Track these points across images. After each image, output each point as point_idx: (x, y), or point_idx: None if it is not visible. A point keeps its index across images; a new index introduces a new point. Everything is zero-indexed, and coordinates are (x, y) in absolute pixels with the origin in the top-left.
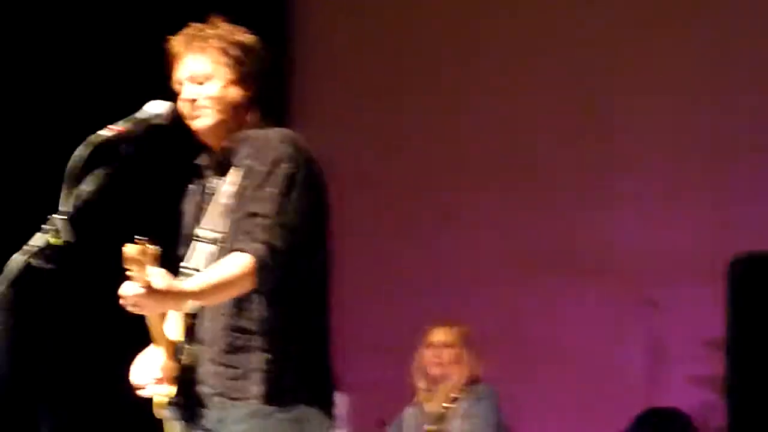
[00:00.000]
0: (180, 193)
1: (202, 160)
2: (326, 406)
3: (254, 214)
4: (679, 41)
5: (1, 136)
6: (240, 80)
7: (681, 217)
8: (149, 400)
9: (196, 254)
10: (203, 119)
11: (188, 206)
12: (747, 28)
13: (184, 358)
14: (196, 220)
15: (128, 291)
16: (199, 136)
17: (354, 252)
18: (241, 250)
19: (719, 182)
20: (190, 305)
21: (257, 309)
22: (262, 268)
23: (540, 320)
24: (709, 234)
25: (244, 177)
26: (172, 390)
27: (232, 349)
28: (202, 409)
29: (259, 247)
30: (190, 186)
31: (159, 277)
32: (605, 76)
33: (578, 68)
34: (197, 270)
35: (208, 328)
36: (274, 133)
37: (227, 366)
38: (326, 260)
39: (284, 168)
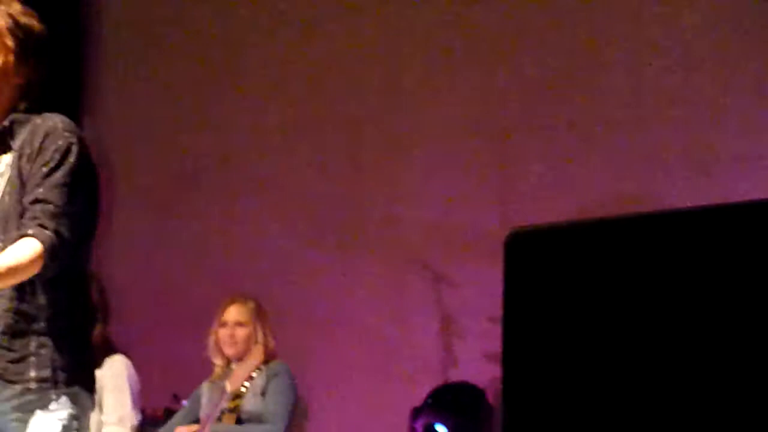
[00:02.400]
0: None
1: None
2: (92, 387)
3: (44, 201)
4: None
5: None
6: (18, 63)
7: (468, 192)
8: None
9: None
10: None
11: None
12: None
13: None
14: None
15: None
16: None
17: (144, 229)
18: (31, 236)
19: (499, 159)
20: None
21: (39, 294)
22: (50, 256)
23: (332, 296)
24: (493, 210)
25: (30, 161)
26: None
27: (12, 333)
28: None
29: (49, 234)
30: None
31: None
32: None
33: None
34: None
35: None
36: (60, 122)
37: (7, 349)
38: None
39: (73, 158)
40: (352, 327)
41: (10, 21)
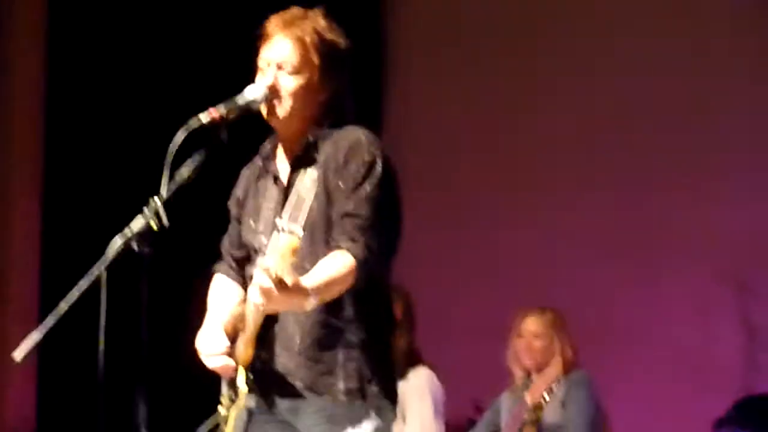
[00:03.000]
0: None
1: (271, 149)
2: (396, 399)
3: (353, 215)
4: None
5: (104, 122)
6: (323, 80)
7: None
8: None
9: (272, 248)
10: (279, 109)
11: (254, 191)
12: None
13: (268, 350)
14: (271, 209)
15: (264, 283)
16: (269, 122)
17: (445, 240)
18: (344, 249)
19: None
20: (310, 304)
21: (347, 306)
22: (361, 268)
23: (630, 305)
24: None
25: (336, 175)
26: (244, 375)
27: (321, 345)
28: (276, 398)
29: (360, 246)
30: (249, 171)
31: (289, 274)
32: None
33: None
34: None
35: (296, 321)
36: (363, 135)
37: (315, 361)
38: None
39: (378, 171)
40: (653, 338)
41: (316, 37)
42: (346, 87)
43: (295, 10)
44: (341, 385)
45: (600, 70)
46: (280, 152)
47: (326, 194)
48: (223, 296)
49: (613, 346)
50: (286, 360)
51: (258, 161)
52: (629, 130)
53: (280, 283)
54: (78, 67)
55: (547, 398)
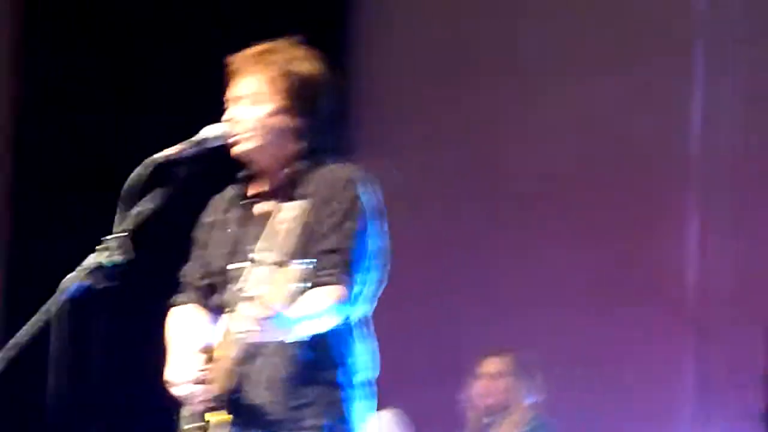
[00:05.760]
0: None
1: (246, 180)
2: None
3: (336, 251)
4: None
5: (56, 159)
6: (289, 109)
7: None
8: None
9: (255, 278)
10: (242, 145)
11: (224, 220)
12: None
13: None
14: (241, 239)
15: (250, 313)
16: (238, 158)
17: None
18: (327, 285)
19: None
20: (292, 336)
21: (325, 342)
22: (345, 306)
23: (592, 345)
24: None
25: (320, 210)
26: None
27: (296, 380)
28: (249, 431)
29: (344, 283)
30: (220, 200)
31: (277, 306)
32: None
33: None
34: (261, 296)
35: (274, 355)
36: (349, 171)
37: (288, 396)
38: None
39: (363, 207)
40: (614, 378)
41: (280, 69)
42: (325, 116)
43: (260, 46)
44: (312, 422)
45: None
46: (259, 184)
47: (308, 229)
48: (190, 326)
49: (575, 387)
50: (262, 393)
51: (231, 191)
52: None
53: (267, 314)
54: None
55: None
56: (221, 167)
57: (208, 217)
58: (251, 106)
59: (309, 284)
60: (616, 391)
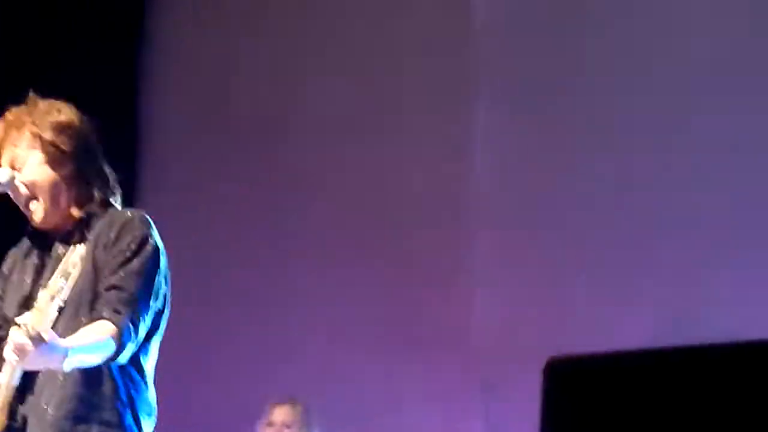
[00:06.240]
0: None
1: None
2: None
3: (119, 288)
4: None
5: None
6: (54, 161)
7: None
8: None
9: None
10: (36, 215)
11: (20, 268)
12: None
13: (15, 419)
14: (35, 283)
15: (18, 338)
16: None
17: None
18: (106, 319)
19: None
20: (66, 365)
21: (105, 382)
22: (123, 341)
23: (383, 397)
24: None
25: (106, 250)
26: None
27: (76, 419)
28: None
29: (122, 318)
30: (17, 250)
31: (47, 331)
32: None
33: None
34: (26, 321)
35: (52, 393)
36: (137, 215)
37: None
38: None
39: (149, 249)
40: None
41: (35, 129)
42: (93, 158)
43: (10, 112)
44: None
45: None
46: (50, 230)
47: (94, 270)
48: None
49: None
50: (38, 430)
51: (26, 240)
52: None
53: (36, 338)
54: None
55: None
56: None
57: (5, 265)
58: (30, 168)
59: (63, 301)
60: None
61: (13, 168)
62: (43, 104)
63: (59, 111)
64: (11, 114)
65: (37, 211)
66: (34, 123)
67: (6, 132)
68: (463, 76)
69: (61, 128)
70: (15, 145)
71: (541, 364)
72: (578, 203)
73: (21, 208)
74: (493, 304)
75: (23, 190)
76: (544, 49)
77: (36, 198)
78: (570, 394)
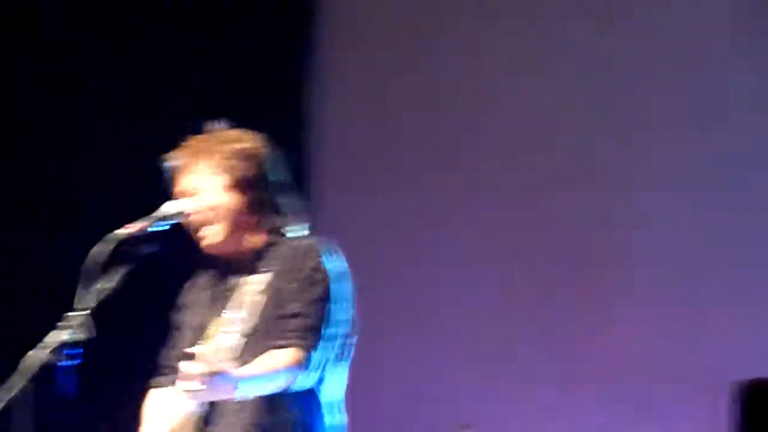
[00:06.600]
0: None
1: (212, 257)
2: None
3: (300, 315)
4: None
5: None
6: (235, 186)
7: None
8: None
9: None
10: (208, 239)
11: (196, 300)
12: None
13: None
14: (210, 314)
15: (189, 370)
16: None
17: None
18: (286, 347)
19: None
20: (239, 394)
21: (284, 409)
22: (304, 369)
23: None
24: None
25: (286, 279)
26: None
27: None
28: None
29: (302, 346)
30: (195, 280)
31: (218, 362)
32: None
33: None
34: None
35: (231, 423)
36: (316, 242)
37: None
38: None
39: (327, 276)
40: None
41: (219, 157)
42: (274, 188)
43: (190, 138)
44: None
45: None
46: (228, 260)
47: (273, 298)
48: (160, 407)
49: None
50: None
51: (201, 272)
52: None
53: (208, 370)
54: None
55: None
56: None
57: (184, 297)
58: (209, 193)
59: (241, 331)
60: None
61: (190, 194)
62: (225, 132)
63: (241, 139)
64: (193, 141)
65: (210, 236)
66: (215, 150)
67: (187, 158)
68: None
69: (243, 155)
70: (195, 172)
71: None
72: None
73: (193, 236)
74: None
75: (199, 217)
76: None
77: (211, 223)
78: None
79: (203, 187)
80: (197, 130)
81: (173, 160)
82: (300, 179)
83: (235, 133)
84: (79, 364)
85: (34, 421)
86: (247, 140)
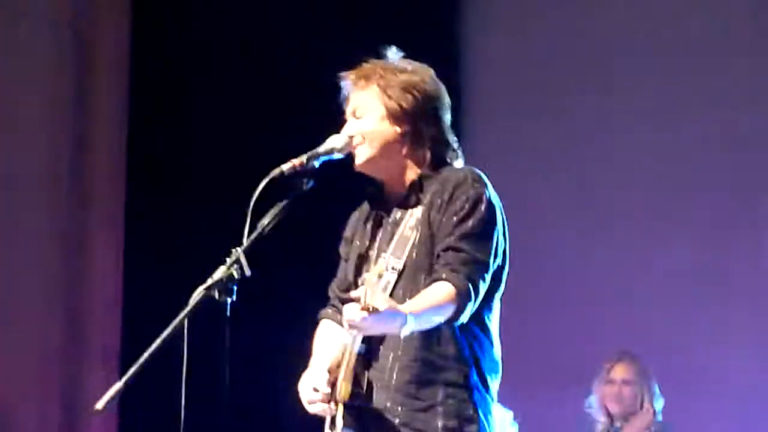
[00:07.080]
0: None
1: (374, 190)
2: None
3: (456, 249)
4: None
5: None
6: (395, 117)
7: None
8: (317, 418)
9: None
10: (359, 157)
11: (361, 232)
12: None
13: (360, 386)
14: (372, 248)
15: (353, 312)
16: (359, 169)
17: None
18: (445, 280)
19: None
20: (406, 330)
21: (447, 343)
22: (463, 302)
23: (710, 350)
24: None
25: (441, 212)
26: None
27: (419, 382)
28: None
29: (461, 278)
30: (358, 213)
31: (382, 300)
32: None
33: None
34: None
35: (394, 358)
36: (469, 173)
37: (414, 398)
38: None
39: (483, 208)
40: (730, 385)
41: (390, 81)
42: (441, 125)
43: (364, 63)
44: (439, 423)
45: (679, 110)
46: (387, 193)
47: (430, 232)
48: (327, 340)
49: (691, 395)
50: (383, 396)
51: (365, 204)
52: (713, 167)
53: (371, 310)
54: (160, 103)
55: None
56: (347, 178)
57: (348, 229)
58: (369, 118)
59: (401, 266)
60: (737, 401)
61: (355, 117)
62: (398, 61)
63: (412, 71)
64: (366, 65)
65: (362, 154)
66: (383, 77)
67: (356, 81)
68: None
69: (408, 87)
70: (362, 96)
71: None
72: None
73: (356, 166)
74: None
75: (358, 140)
76: None
77: (366, 146)
78: None
79: (364, 111)
80: (377, 56)
81: (346, 80)
82: (455, 117)
83: (407, 63)
84: (233, 300)
85: (192, 353)
86: (416, 72)
